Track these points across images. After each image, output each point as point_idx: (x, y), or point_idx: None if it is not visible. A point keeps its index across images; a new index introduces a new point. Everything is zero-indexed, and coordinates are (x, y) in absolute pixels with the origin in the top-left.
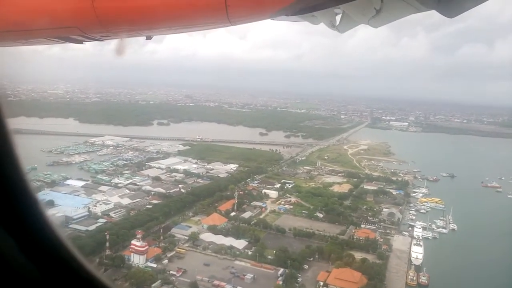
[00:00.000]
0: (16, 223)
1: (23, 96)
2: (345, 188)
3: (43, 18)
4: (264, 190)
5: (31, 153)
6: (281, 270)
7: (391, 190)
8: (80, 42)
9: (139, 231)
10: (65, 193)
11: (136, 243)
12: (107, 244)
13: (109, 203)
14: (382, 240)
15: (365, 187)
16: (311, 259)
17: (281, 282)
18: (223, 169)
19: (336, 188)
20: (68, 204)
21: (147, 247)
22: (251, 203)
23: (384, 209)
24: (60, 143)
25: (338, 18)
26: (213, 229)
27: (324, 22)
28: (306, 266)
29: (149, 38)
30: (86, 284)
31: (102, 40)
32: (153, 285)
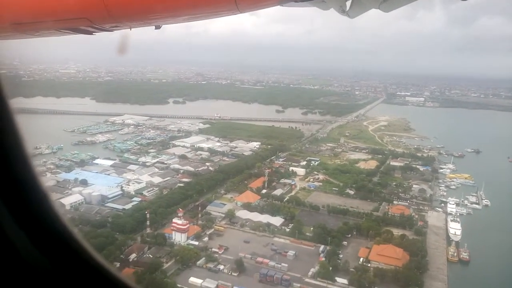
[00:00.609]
0: (25, 214)
1: (36, 76)
2: (372, 164)
3: (53, 10)
4: (291, 168)
5: (55, 132)
6: (322, 246)
7: (418, 166)
8: (90, 33)
9: (180, 209)
10: (96, 172)
11: (177, 221)
12: (148, 222)
13: (141, 182)
14: (417, 216)
15: (391, 163)
16: (349, 235)
17: (323, 259)
18: (246, 147)
19: (362, 165)
20: (101, 183)
21: (188, 225)
22: (280, 181)
23: (414, 186)
24: (80, 122)
25: (348, 3)
26: (248, 207)
27: (334, 7)
28: (345, 243)
29: (158, 27)
30: (96, 275)
31: (111, 31)
32: (197, 262)
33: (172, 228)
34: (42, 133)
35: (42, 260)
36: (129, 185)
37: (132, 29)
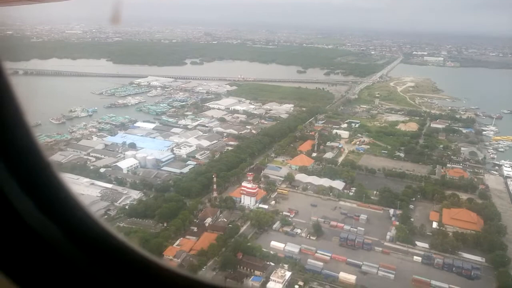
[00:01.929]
0: (30, 182)
1: (44, 37)
2: (412, 127)
3: None
4: (334, 131)
5: (83, 95)
6: (392, 210)
7: (460, 128)
8: None
9: (250, 173)
10: (142, 136)
11: (247, 185)
12: (215, 186)
13: (191, 145)
14: (476, 179)
15: (432, 125)
16: (413, 199)
17: (397, 223)
18: (281, 109)
19: (402, 127)
20: (150, 147)
21: (257, 189)
22: (326, 144)
23: (462, 148)
24: (104, 84)
25: None
26: (304, 170)
27: None
28: (411, 206)
29: None
30: (102, 241)
31: None
32: (273, 226)
33: (241, 191)
34: (71, 96)
35: (50, 226)
36: (180, 149)
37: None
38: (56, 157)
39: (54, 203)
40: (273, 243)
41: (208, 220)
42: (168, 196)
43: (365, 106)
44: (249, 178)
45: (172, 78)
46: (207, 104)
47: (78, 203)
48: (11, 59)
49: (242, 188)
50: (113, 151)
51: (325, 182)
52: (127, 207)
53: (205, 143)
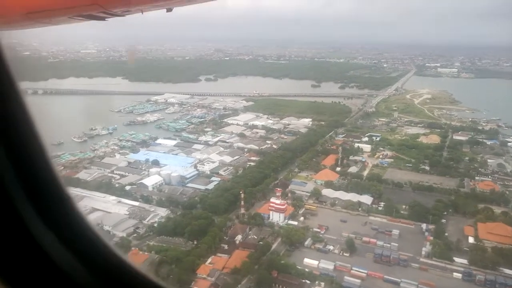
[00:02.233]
0: (50, 214)
1: (60, 57)
2: (434, 139)
3: None
4: (356, 144)
5: (102, 113)
6: (424, 225)
7: (484, 140)
8: (102, 18)
9: (278, 189)
10: (164, 153)
11: (275, 201)
12: (242, 202)
13: (214, 162)
14: (507, 192)
15: (454, 137)
16: (445, 213)
17: (431, 238)
18: (299, 123)
19: (424, 140)
20: (173, 163)
21: (286, 205)
22: (349, 158)
23: (489, 160)
24: (121, 102)
25: None
26: (329, 185)
27: None
28: (443, 221)
29: (169, 10)
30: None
31: (123, 15)
32: (305, 243)
33: (269, 208)
34: (90, 114)
35: (69, 259)
36: (203, 165)
37: (143, 13)
38: (82, 175)
39: (73, 233)
40: (307, 260)
41: (238, 237)
42: (196, 213)
43: (383, 119)
44: (277, 194)
45: (188, 95)
46: (225, 120)
47: (95, 232)
48: (31, 79)
49: (271, 204)
50: (136, 169)
51: (353, 197)
52: (155, 224)
53: (227, 159)
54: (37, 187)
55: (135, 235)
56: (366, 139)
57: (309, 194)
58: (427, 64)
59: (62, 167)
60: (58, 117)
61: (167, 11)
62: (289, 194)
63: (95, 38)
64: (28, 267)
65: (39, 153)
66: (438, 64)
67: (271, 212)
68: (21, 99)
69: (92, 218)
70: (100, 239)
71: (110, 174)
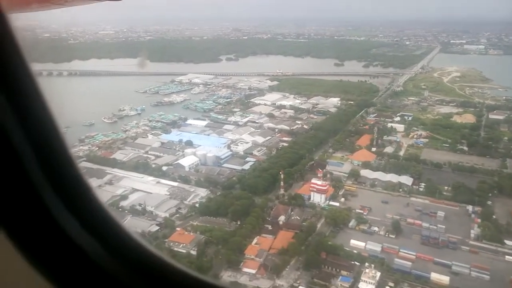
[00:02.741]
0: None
1: (80, 38)
2: (468, 118)
3: None
4: (389, 124)
5: (128, 94)
6: (470, 207)
7: None
8: None
9: (320, 170)
10: (196, 133)
11: (317, 181)
12: (282, 183)
13: (247, 142)
14: None
15: (490, 116)
16: (490, 194)
17: (479, 220)
18: (328, 103)
19: (458, 119)
20: (206, 144)
21: (327, 186)
22: (383, 138)
23: None
24: (145, 83)
25: None
26: (367, 166)
27: None
28: (489, 202)
29: None
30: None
31: None
32: (349, 224)
33: (311, 188)
34: (116, 95)
35: (92, 243)
36: (237, 145)
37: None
38: (118, 156)
39: (93, 218)
40: (353, 242)
41: (281, 218)
42: (236, 194)
43: (413, 98)
44: (318, 175)
45: (212, 75)
46: (252, 100)
47: (109, 213)
48: (54, 60)
49: (312, 184)
50: (170, 149)
51: (392, 177)
52: (197, 205)
53: (259, 139)
54: (54, 171)
55: (177, 215)
56: (398, 118)
57: (347, 175)
58: (452, 41)
59: (97, 148)
60: (85, 98)
61: None
62: (328, 175)
63: (110, 19)
64: (56, 254)
65: (54, 138)
66: (464, 41)
67: (312, 192)
68: (34, 83)
69: (134, 199)
70: (118, 223)
71: (145, 155)
